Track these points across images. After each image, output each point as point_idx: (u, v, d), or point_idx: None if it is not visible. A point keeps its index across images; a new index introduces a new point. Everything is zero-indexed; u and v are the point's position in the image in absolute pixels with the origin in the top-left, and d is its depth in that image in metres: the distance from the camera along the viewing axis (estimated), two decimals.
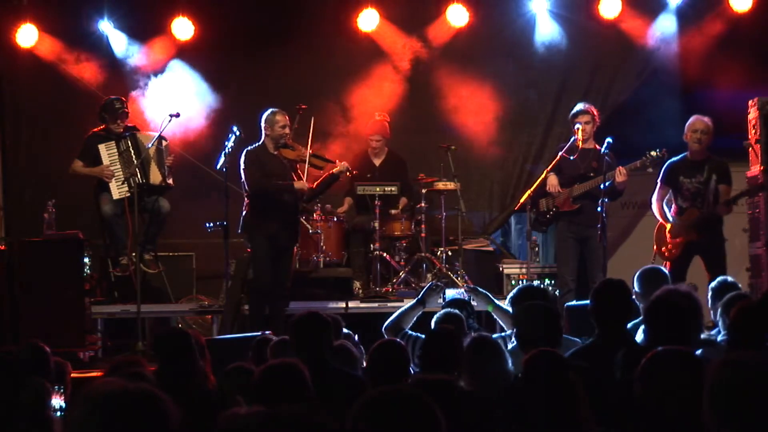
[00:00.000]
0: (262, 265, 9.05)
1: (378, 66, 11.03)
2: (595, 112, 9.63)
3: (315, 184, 9.35)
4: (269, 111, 9.14)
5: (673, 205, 9.17)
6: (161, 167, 9.88)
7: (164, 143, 9.85)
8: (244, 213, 9.07)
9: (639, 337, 5.55)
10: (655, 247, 9.27)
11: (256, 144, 9.14)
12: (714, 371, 2.90)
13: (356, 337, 6.07)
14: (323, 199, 10.17)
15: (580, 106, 9.67)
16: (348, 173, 9.39)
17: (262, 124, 9.12)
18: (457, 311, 6.00)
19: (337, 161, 9.26)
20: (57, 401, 4.97)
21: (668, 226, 9.12)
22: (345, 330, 6.11)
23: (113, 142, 9.85)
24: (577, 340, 6.06)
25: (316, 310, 5.38)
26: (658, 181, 9.17)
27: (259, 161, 8.99)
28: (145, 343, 9.23)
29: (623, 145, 9.49)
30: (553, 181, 9.61)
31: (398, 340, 5.84)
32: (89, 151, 9.86)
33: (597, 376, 4.51)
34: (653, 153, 9.10)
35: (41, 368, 4.97)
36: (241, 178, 9.08)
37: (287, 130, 9.09)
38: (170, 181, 9.96)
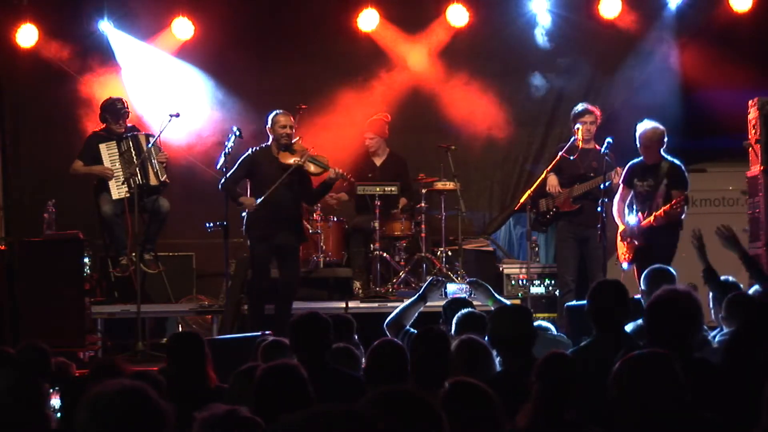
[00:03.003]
0: (257, 267, 9.07)
1: (378, 66, 11.03)
2: (598, 113, 9.62)
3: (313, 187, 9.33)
4: (274, 112, 9.15)
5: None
6: (154, 166, 9.88)
7: (152, 140, 9.80)
8: (246, 213, 9.08)
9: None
10: (617, 251, 9.18)
11: (264, 144, 9.14)
12: None
13: (356, 337, 6.08)
14: (324, 202, 10.17)
15: (584, 106, 9.65)
16: (344, 180, 9.34)
17: (267, 126, 9.12)
18: (478, 312, 6.00)
19: (331, 169, 9.14)
20: (57, 401, 4.98)
21: (620, 228, 9.00)
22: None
23: (114, 142, 9.84)
24: (563, 335, 6.11)
25: (315, 311, 5.38)
26: (621, 182, 9.04)
27: (249, 165, 9.02)
28: (145, 343, 9.23)
29: (623, 145, 9.48)
30: (553, 181, 9.61)
31: (396, 339, 5.86)
32: (89, 150, 9.85)
33: (595, 376, 4.52)
34: None
35: (41, 368, 4.98)
36: None
37: (287, 131, 9.08)
38: (165, 178, 9.95)
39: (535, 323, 5.74)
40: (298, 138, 9.23)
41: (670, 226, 8.73)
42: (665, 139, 8.79)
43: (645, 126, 8.83)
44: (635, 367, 3.60)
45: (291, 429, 2.17)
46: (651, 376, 3.56)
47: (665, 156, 8.83)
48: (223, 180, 9.08)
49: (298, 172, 9.05)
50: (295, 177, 9.05)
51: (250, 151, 9.11)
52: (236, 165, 9.07)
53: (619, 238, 9.01)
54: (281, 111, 9.16)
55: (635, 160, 8.93)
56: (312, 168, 9.11)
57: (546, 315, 9.61)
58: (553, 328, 6.13)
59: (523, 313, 5.24)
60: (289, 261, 9.16)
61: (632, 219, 8.89)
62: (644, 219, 8.78)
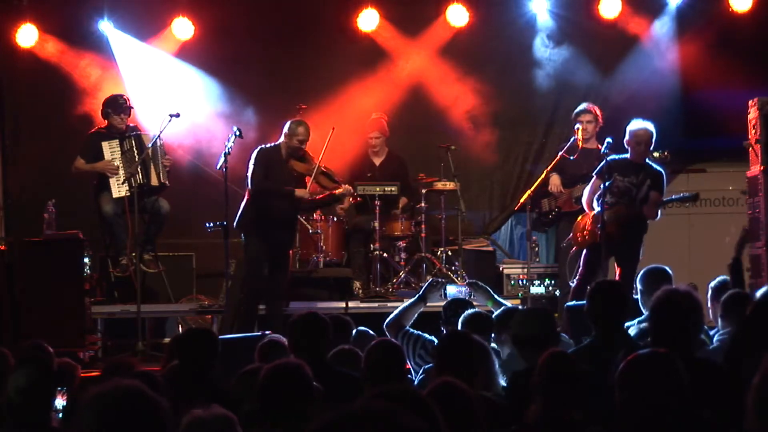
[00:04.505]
0: (255, 266, 9.08)
1: (378, 66, 11.04)
2: (598, 112, 9.61)
3: (317, 197, 9.35)
4: (295, 121, 9.15)
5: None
6: (157, 167, 9.88)
7: (159, 143, 9.82)
8: (242, 209, 9.07)
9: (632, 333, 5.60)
10: (571, 234, 9.08)
11: (272, 144, 9.13)
12: (764, 370, 2.86)
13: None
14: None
15: (584, 106, 9.66)
16: (351, 199, 9.45)
17: (284, 129, 9.08)
18: (484, 312, 6.00)
19: (342, 185, 9.29)
20: (60, 402, 4.98)
21: (592, 213, 8.84)
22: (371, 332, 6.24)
23: (116, 140, 9.84)
24: (564, 336, 6.11)
25: (315, 311, 5.39)
26: (594, 173, 8.90)
27: (266, 163, 8.99)
28: (145, 343, 9.23)
29: (623, 145, 9.47)
30: (555, 181, 9.60)
31: (394, 339, 5.88)
32: (91, 148, 9.84)
33: (595, 376, 4.52)
34: (656, 154, 9.04)
35: (46, 369, 4.96)
36: (247, 173, 9.09)
37: (304, 146, 9.08)
38: (166, 181, 9.95)
39: None
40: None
41: (640, 227, 8.76)
42: (653, 141, 8.77)
43: (638, 125, 8.80)
44: (640, 368, 3.60)
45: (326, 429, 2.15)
46: (656, 377, 3.56)
47: (649, 161, 8.80)
48: (254, 183, 8.96)
49: (300, 182, 9.08)
50: (302, 184, 9.09)
51: (262, 149, 9.05)
52: (256, 163, 8.96)
53: (589, 222, 8.89)
54: (303, 123, 9.14)
55: (617, 157, 8.84)
56: (324, 182, 9.15)
57: None
58: None
59: (545, 314, 5.27)
60: (282, 261, 9.20)
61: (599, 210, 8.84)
62: (623, 210, 8.74)
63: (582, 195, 9.33)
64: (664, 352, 3.72)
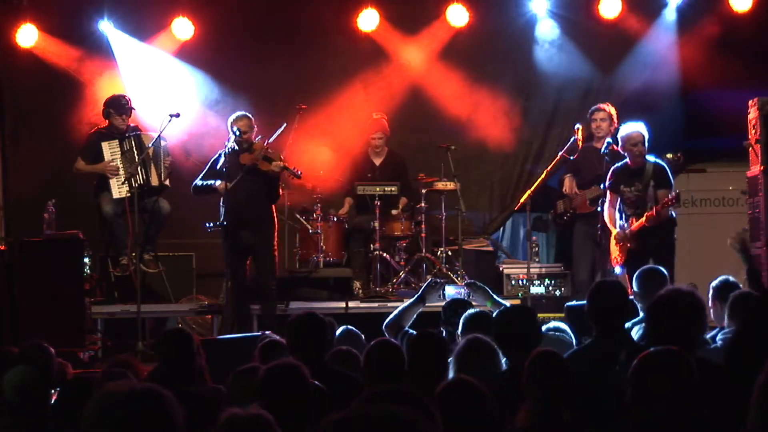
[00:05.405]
0: (231, 271, 9.08)
1: (378, 66, 11.04)
2: (613, 111, 9.55)
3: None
4: (234, 115, 9.25)
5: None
6: (158, 168, 9.88)
7: (162, 143, 9.84)
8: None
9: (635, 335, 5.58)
10: (611, 258, 9.03)
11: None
12: None
13: (363, 338, 6.12)
14: (324, 202, 10.17)
15: (596, 105, 9.66)
16: (292, 175, 9.22)
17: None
18: (486, 311, 5.99)
19: (274, 162, 9.09)
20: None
21: (614, 232, 8.84)
22: (356, 330, 6.24)
23: (116, 140, 9.84)
24: (566, 336, 6.10)
25: (313, 311, 5.38)
26: (607, 188, 8.91)
27: (214, 164, 9.15)
28: (145, 343, 9.23)
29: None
30: (569, 183, 9.58)
31: (393, 339, 5.87)
32: (91, 148, 9.85)
33: (596, 376, 4.52)
34: (669, 156, 9.02)
35: (44, 369, 4.97)
36: None
37: (246, 136, 9.11)
38: (167, 182, 9.95)
39: (551, 324, 5.74)
40: (259, 137, 9.24)
41: (664, 226, 8.70)
42: (647, 139, 8.75)
43: (628, 129, 8.77)
44: (655, 365, 3.59)
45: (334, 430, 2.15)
46: (671, 374, 3.55)
47: (647, 158, 8.78)
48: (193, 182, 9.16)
49: (258, 172, 9.04)
50: (256, 177, 9.04)
51: (218, 153, 9.15)
52: (207, 163, 9.22)
53: (612, 242, 8.91)
54: (239, 115, 9.23)
55: (618, 165, 8.81)
56: (265, 166, 9.09)
57: (552, 315, 9.57)
58: (568, 329, 6.07)
59: (527, 313, 5.25)
60: (259, 262, 9.17)
61: (623, 223, 8.80)
62: (635, 223, 8.72)
63: (597, 197, 9.26)
64: (677, 349, 3.71)
